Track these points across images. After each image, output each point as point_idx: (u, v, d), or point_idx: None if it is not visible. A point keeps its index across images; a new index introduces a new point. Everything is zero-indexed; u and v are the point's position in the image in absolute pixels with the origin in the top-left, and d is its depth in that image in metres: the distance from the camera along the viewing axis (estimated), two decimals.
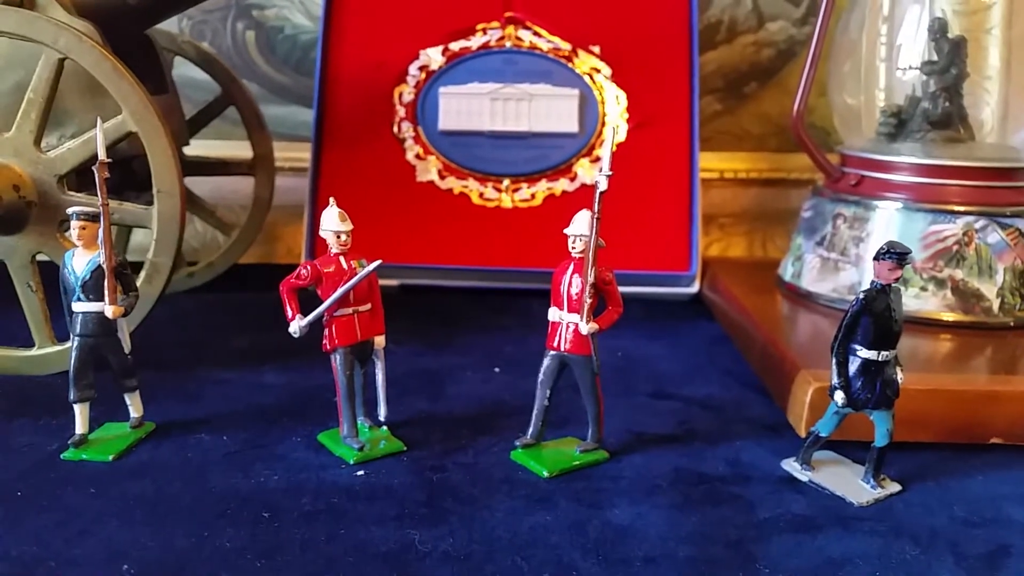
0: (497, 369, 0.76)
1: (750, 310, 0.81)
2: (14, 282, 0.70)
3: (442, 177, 0.99)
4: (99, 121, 0.60)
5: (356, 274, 0.58)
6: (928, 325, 0.75)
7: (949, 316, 0.75)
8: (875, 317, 0.53)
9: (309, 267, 0.58)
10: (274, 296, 0.59)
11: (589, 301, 0.56)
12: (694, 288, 0.97)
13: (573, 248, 0.57)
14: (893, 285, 0.54)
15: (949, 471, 0.59)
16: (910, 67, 0.83)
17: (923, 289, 0.76)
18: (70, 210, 0.59)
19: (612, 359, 0.78)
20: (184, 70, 0.98)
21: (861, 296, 0.53)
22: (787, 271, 0.88)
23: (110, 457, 0.58)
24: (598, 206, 0.55)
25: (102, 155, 0.58)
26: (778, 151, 1.15)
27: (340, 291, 0.58)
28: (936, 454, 0.61)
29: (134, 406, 0.62)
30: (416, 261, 0.96)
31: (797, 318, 0.82)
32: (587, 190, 0.98)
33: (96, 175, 0.57)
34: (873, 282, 0.54)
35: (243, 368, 0.75)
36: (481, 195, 0.98)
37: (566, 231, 0.57)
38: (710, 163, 1.11)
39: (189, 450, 0.60)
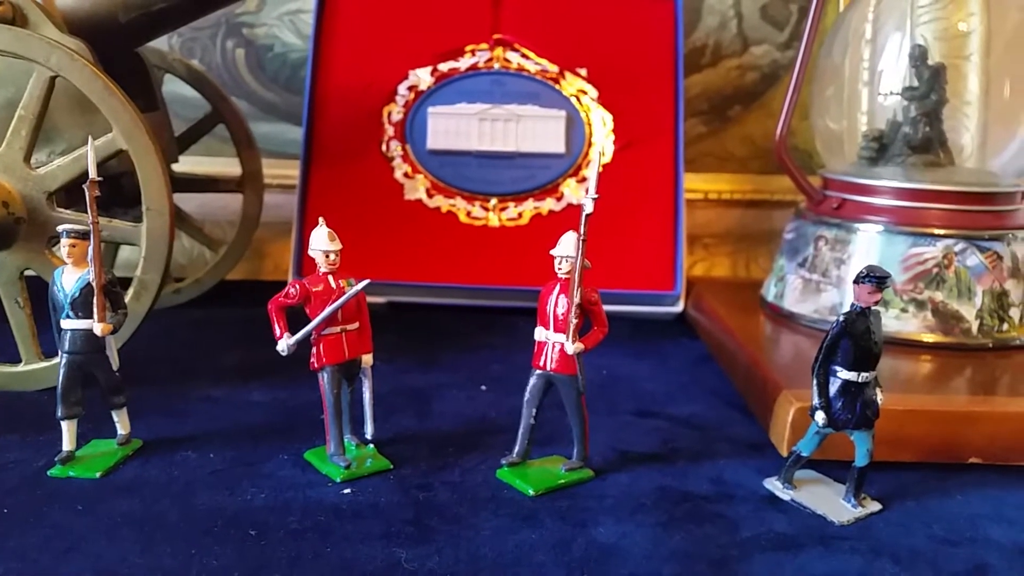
0: (484, 387, 0.77)
1: (734, 330, 0.82)
2: (1, 298, 0.71)
3: (430, 196, 0.99)
4: (90, 140, 0.60)
5: (344, 293, 0.59)
6: (908, 346, 0.76)
7: (929, 337, 0.77)
8: (855, 339, 0.54)
9: (298, 286, 0.58)
10: (261, 313, 0.60)
11: (575, 321, 0.57)
12: (678, 308, 0.98)
13: (559, 269, 0.58)
14: (873, 308, 0.55)
15: (928, 490, 0.60)
16: (891, 92, 0.84)
17: (903, 311, 0.77)
18: (60, 228, 0.59)
19: (597, 377, 0.79)
20: (173, 87, 0.99)
21: (841, 319, 0.55)
22: (770, 292, 0.89)
23: (97, 474, 0.58)
24: (584, 228, 0.56)
25: (93, 173, 0.58)
26: (761, 173, 1.16)
27: (328, 310, 0.58)
28: (915, 473, 0.62)
29: (121, 423, 0.62)
30: (403, 279, 0.97)
31: (779, 338, 0.83)
32: (573, 210, 0.99)
33: (87, 193, 0.58)
34: (853, 305, 0.55)
35: (230, 385, 0.75)
36: (468, 214, 0.99)
37: (552, 252, 0.58)
38: (694, 184, 1.13)
39: (176, 468, 0.60)
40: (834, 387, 0.55)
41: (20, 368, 0.71)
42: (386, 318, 0.95)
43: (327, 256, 0.59)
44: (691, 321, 0.97)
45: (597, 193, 0.56)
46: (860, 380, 0.55)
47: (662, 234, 0.99)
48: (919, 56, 0.83)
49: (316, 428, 0.63)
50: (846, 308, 0.55)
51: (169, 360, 0.81)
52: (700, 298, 0.96)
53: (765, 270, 1.01)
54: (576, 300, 0.57)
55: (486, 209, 0.99)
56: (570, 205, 0.99)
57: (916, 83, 0.83)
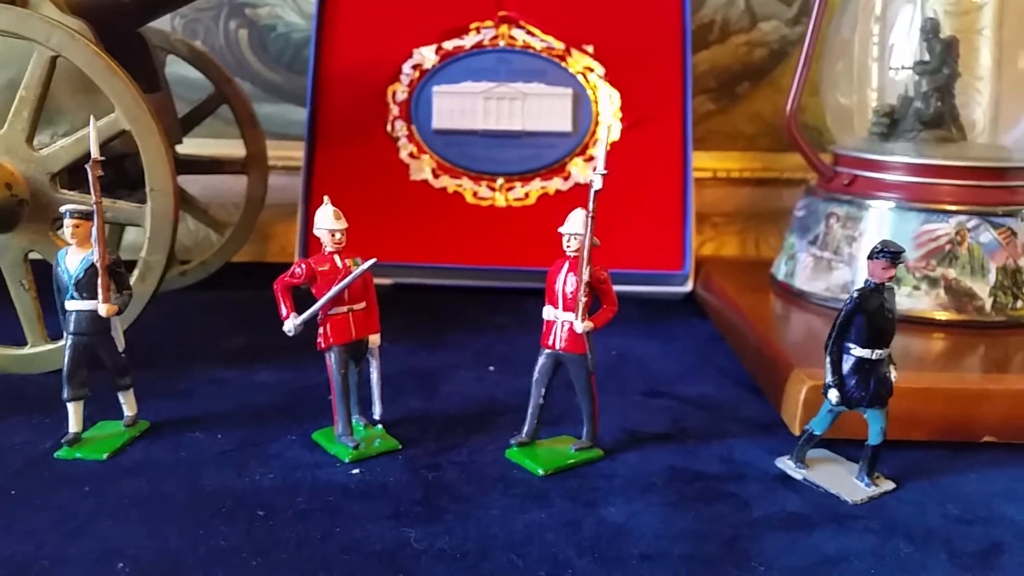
0: (491, 367, 0.76)
1: (743, 309, 0.82)
2: (7, 280, 0.70)
3: (436, 176, 0.99)
4: (92, 120, 0.60)
5: (351, 273, 0.58)
6: (921, 324, 0.75)
7: (942, 315, 0.76)
8: (869, 316, 0.53)
9: (304, 265, 0.58)
10: (267, 295, 0.59)
11: (584, 300, 0.56)
12: (687, 287, 0.97)
13: (568, 247, 0.57)
14: (887, 284, 0.54)
15: (942, 469, 0.60)
16: (902, 67, 0.83)
17: (916, 288, 0.76)
18: (63, 208, 0.58)
19: (606, 357, 0.78)
20: (176, 68, 0.98)
21: (855, 295, 0.54)
22: (780, 270, 0.88)
23: (104, 456, 0.57)
24: (593, 205, 0.55)
25: (95, 153, 0.57)
26: (770, 150, 1.15)
27: (334, 290, 0.57)
28: (929, 452, 0.61)
29: (128, 404, 0.62)
30: (410, 260, 0.96)
31: (790, 317, 0.82)
32: (581, 189, 0.98)
33: (89, 173, 0.57)
34: (867, 281, 0.54)
35: (237, 367, 0.75)
36: (475, 194, 0.99)
37: (561, 229, 0.57)
38: (703, 162, 1.11)
39: (183, 449, 0.59)
40: (848, 364, 0.55)
41: (26, 351, 0.71)
42: (392, 299, 0.95)
43: (333, 235, 0.58)
44: (700, 301, 0.96)
45: (605, 169, 0.55)
46: (874, 357, 0.54)
47: (671, 213, 0.98)
48: (931, 29, 0.81)
49: (323, 409, 0.63)
50: (858, 286, 0.54)
51: (175, 342, 0.81)
52: (709, 278, 0.95)
53: (775, 249, 1.00)
54: (585, 278, 0.56)
55: (492, 189, 0.99)
56: (577, 184, 0.98)
57: (928, 57, 0.81)
